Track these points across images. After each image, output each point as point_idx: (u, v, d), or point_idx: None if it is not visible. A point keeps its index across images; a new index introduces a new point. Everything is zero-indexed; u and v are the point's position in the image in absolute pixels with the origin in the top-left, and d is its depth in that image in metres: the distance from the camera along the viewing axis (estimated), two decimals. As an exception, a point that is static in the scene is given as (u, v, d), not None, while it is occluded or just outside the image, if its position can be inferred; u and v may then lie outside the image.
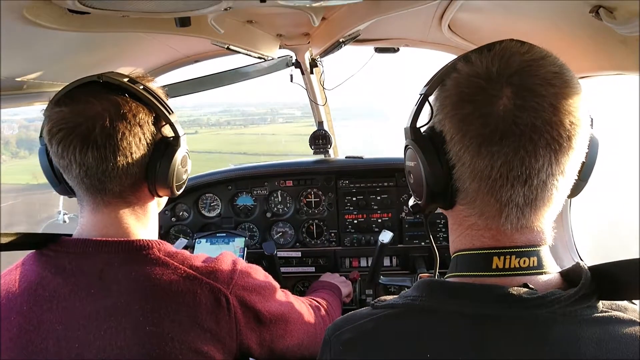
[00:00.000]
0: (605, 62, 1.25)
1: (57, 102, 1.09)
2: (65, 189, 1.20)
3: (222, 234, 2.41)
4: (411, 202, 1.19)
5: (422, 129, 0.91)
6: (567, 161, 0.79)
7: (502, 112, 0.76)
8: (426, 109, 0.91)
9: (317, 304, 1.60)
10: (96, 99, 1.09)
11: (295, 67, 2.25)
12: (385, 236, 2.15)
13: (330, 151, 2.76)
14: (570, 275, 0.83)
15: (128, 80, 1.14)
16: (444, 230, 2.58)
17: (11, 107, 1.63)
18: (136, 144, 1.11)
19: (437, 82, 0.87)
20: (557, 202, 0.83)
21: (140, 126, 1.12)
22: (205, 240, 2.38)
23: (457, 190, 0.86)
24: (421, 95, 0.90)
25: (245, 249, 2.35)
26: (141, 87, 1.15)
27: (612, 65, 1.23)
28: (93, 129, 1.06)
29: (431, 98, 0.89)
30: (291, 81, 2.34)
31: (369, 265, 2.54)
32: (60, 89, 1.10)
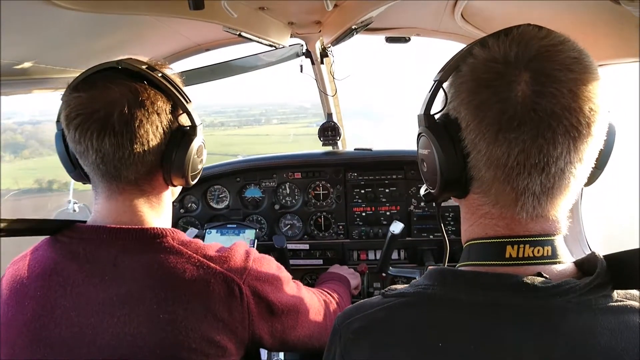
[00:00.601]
0: (623, 49, 1.24)
1: (75, 88, 1.10)
2: (80, 175, 1.20)
3: (232, 225, 2.40)
4: (422, 190, 1.18)
5: (436, 117, 0.89)
6: (586, 149, 0.77)
7: (521, 98, 0.75)
8: (440, 96, 0.89)
9: (327, 295, 1.60)
10: (115, 85, 1.09)
11: (306, 57, 2.25)
12: (396, 227, 2.13)
13: (339, 143, 2.75)
14: (585, 265, 0.82)
15: (147, 67, 1.13)
16: (452, 223, 2.57)
17: (18, 94, 1.64)
18: (153, 132, 1.11)
19: (452, 67, 0.85)
20: (573, 190, 0.81)
21: (157, 114, 1.12)
22: (215, 230, 2.38)
23: (472, 179, 0.85)
24: (435, 81, 0.88)
25: (256, 240, 2.35)
26: (159, 74, 1.14)
27: (630, 53, 1.22)
28: (111, 115, 1.06)
29: (445, 84, 0.88)
30: (301, 72, 2.33)
31: (377, 258, 2.53)
32: (68, 75, 1.11)
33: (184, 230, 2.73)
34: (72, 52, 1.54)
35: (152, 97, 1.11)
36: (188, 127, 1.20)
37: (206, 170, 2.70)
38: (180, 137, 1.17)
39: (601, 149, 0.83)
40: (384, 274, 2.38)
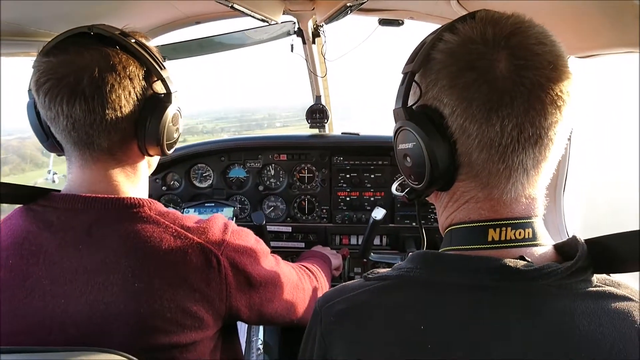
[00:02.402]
0: (618, 39, 1.24)
1: (45, 53, 1.06)
2: (53, 145, 1.17)
3: (210, 204, 2.37)
4: (394, 188, 1.19)
5: (413, 108, 0.88)
6: (568, 116, 0.79)
7: (507, 73, 0.76)
8: (412, 88, 0.87)
9: (306, 270, 1.60)
10: (86, 50, 1.06)
11: (297, 36, 2.21)
12: (378, 213, 2.14)
13: (326, 127, 2.73)
14: (565, 248, 0.83)
15: (119, 33, 1.11)
16: (436, 210, 2.58)
17: (6, 55, 1.58)
18: (125, 97, 1.09)
19: (423, 57, 0.84)
20: (554, 162, 0.83)
21: (130, 79, 1.09)
22: (193, 210, 2.35)
23: (459, 166, 0.84)
24: (407, 73, 0.86)
25: (234, 218, 2.33)
26: (133, 40, 1.12)
27: (625, 42, 1.22)
28: (81, 80, 1.03)
29: (416, 76, 0.86)
30: (292, 51, 2.30)
31: (359, 243, 2.54)
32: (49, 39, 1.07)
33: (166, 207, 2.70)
34: (57, 17, 1.49)
35: (124, 61, 1.09)
36: (163, 95, 1.17)
37: (190, 148, 2.67)
38: (154, 104, 1.15)
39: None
40: (365, 260, 2.40)
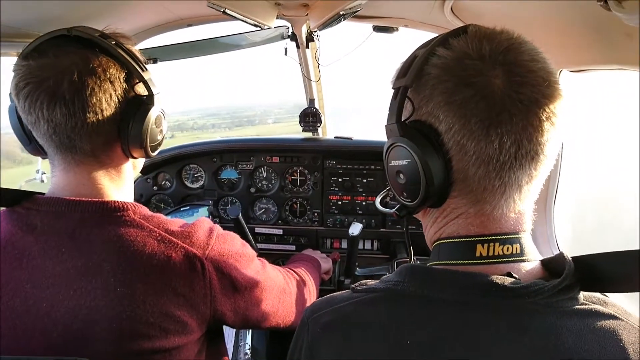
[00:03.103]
0: (608, 55, 1.24)
1: (25, 56, 1.05)
2: (36, 148, 1.16)
3: (185, 208, 2.34)
4: (378, 202, 1.17)
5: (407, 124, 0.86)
6: (562, 132, 0.80)
7: (504, 90, 0.75)
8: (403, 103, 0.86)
9: (294, 274, 1.59)
10: (65, 53, 1.05)
11: (291, 40, 2.20)
12: (355, 228, 2.11)
13: (320, 130, 2.72)
14: (552, 265, 0.83)
15: (99, 35, 1.10)
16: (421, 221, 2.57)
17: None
18: (107, 100, 1.08)
19: (416, 71, 0.82)
20: (543, 177, 0.83)
21: (110, 82, 1.08)
22: (170, 217, 2.33)
23: (453, 183, 0.83)
24: (400, 88, 0.84)
25: (210, 216, 2.31)
26: (113, 42, 1.11)
27: (615, 59, 1.22)
28: (61, 83, 1.02)
29: (408, 90, 0.85)
30: (285, 54, 2.28)
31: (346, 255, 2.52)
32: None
33: (156, 208, 2.68)
34: (46, 19, 1.47)
35: (104, 64, 1.08)
36: (145, 97, 1.16)
37: (182, 148, 2.65)
38: (136, 107, 1.14)
39: None
40: (357, 262, 2.38)
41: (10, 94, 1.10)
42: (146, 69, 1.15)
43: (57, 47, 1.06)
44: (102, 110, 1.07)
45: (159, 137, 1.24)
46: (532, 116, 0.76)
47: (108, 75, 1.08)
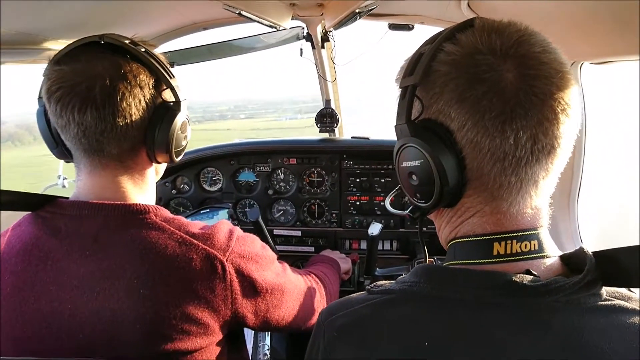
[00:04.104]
0: (630, 46, 1.21)
1: (57, 61, 1.08)
2: (62, 152, 1.19)
3: (205, 210, 2.36)
4: (388, 204, 1.15)
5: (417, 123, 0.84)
6: (577, 123, 0.78)
7: (517, 84, 0.74)
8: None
9: (314, 276, 1.59)
10: (97, 59, 1.08)
11: (306, 41, 2.20)
12: (375, 228, 2.10)
13: (336, 131, 2.71)
14: (572, 260, 0.81)
15: (130, 42, 1.13)
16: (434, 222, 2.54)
17: (9, 63, 1.59)
18: (136, 105, 1.10)
19: (424, 69, 0.79)
20: (559, 170, 0.82)
21: (140, 88, 1.11)
22: (190, 219, 2.34)
23: (468, 181, 0.81)
24: (408, 86, 0.82)
25: (230, 219, 2.32)
26: (142, 49, 1.14)
27: (633, 50, 1.19)
28: (93, 88, 1.05)
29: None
30: (301, 55, 2.29)
31: (365, 255, 2.51)
32: (58, 47, 1.08)
33: (175, 211, 2.70)
34: (65, 27, 1.50)
35: (134, 70, 1.11)
36: (172, 103, 1.19)
37: (200, 152, 2.67)
38: (163, 113, 1.17)
39: None
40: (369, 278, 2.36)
41: (39, 97, 1.13)
42: (173, 76, 1.18)
43: (89, 53, 1.09)
44: (131, 115, 1.10)
45: (184, 143, 1.27)
46: (547, 109, 0.74)
47: (138, 81, 1.11)
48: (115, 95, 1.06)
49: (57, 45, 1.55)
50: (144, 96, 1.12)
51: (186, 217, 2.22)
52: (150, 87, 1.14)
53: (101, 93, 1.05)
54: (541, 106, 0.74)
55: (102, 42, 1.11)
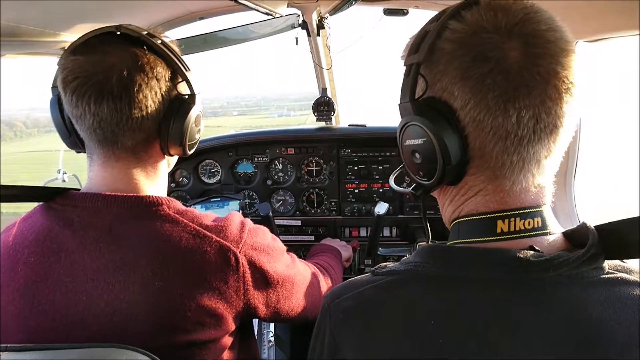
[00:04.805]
0: (626, 21, 1.23)
1: (73, 51, 1.08)
2: (75, 142, 1.19)
3: (216, 199, 2.38)
4: (392, 182, 1.17)
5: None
6: (580, 103, 0.78)
7: (522, 62, 0.73)
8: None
9: (320, 268, 1.61)
10: (114, 50, 1.08)
11: (302, 29, 2.20)
12: (381, 208, 2.13)
13: (333, 119, 2.72)
14: (575, 236, 0.82)
15: (147, 34, 1.12)
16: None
17: (10, 56, 1.59)
18: (152, 97, 1.10)
19: (428, 47, 0.80)
20: (562, 149, 0.82)
21: (157, 80, 1.11)
22: (200, 206, 2.35)
23: (471, 159, 0.82)
24: (412, 64, 0.82)
25: (241, 211, 2.33)
26: (159, 41, 1.14)
27: (634, 24, 1.21)
28: (110, 79, 1.04)
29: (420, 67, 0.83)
30: (296, 44, 2.29)
31: (369, 234, 2.53)
32: (56, 39, 1.08)
33: None
34: (63, 15, 1.49)
35: (151, 62, 1.10)
36: (187, 96, 1.19)
37: (198, 144, 2.66)
38: (178, 105, 1.17)
39: None
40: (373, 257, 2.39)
41: (53, 87, 1.13)
42: (189, 69, 1.18)
43: (105, 44, 1.08)
44: (147, 107, 1.10)
45: (197, 136, 1.26)
46: (550, 89, 0.74)
47: (155, 73, 1.10)
48: (132, 87, 1.06)
49: (52, 38, 1.55)
50: (160, 88, 1.12)
51: (195, 203, 2.24)
52: (167, 79, 1.13)
53: (118, 84, 1.05)
54: (545, 85, 0.74)
55: (119, 33, 1.10)
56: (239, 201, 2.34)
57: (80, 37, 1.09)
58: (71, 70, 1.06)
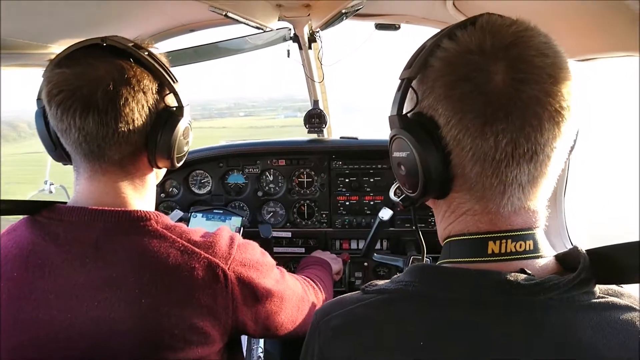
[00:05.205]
0: (614, 43, 1.23)
1: (57, 64, 1.06)
2: (61, 155, 1.17)
3: (219, 211, 2.35)
4: (392, 193, 1.17)
5: (408, 116, 0.86)
6: (567, 131, 0.77)
7: (503, 87, 0.73)
8: (409, 94, 0.85)
9: (310, 282, 1.60)
10: (99, 62, 1.06)
11: (294, 42, 2.20)
12: (386, 213, 2.11)
13: (325, 131, 2.71)
14: (567, 259, 0.81)
15: (133, 45, 1.11)
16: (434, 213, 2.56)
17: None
18: (139, 111, 1.08)
19: (420, 63, 0.82)
20: (553, 177, 0.81)
21: (144, 93, 1.09)
22: (201, 215, 2.33)
23: (454, 177, 0.82)
24: (404, 79, 0.84)
25: (242, 229, 2.31)
26: (146, 53, 1.12)
27: (621, 46, 1.21)
28: (95, 92, 1.03)
29: (413, 82, 0.84)
30: (288, 56, 2.29)
31: (360, 247, 2.53)
32: (46, 51, 1.06)
33: (167, 213, 2.68)
34: (51, 27, 1.47)
35: (138, 75, 1.09)
36: (175, 108, 1.17)
37: (188, 155, 2.64)
38: (166, 118, 1.15)
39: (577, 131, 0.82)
40: (366, 263, 2.37)
41: (38, 99, 1.11)
42: (177, 80, 1.16)
43: (91, 56, 1.06)
44: (133, 120, 1.08)
45: (185, 149, 1.25)
46: (530, 115, 0.73)
47: (142, 86, 1.09)
48: (118, 100, 1.05)
49: (41, 50, 1.53)
50: (147, 101, 1.10)
51: (197, 211, 2.21)
52: (154, 92, 1.12)
53: (103, 98, 1.03)
54: (524, 111, 0.73)
55: (105, 45, 1.09)
56: (241, 218, 2.31)
57: (65, 50, 1.08)
58: (56, 83, 1.04)
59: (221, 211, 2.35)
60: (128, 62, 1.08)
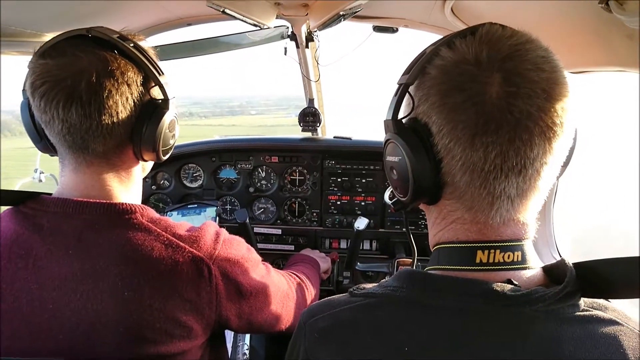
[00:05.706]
0: (609, 57, 1.24)
1: (42, 54, 1.05)
2: (46, 146, 1.16)
3: (193, 205, 2.35)
4: (386, 196, 1.18)
5: (404, 121, 0.86)
6: (559, 148, 0.77)
7: (496, 100, 0.74)
8: (406, 100, 0.86)
9: (296, 277, 1.60)
10: (83, 54, 1.04)
11: (291, 40, 2.19)
12: (361, 223, 2.15)
13: (319, 130, 2.71)
14: (554, 272, 0.82)
15: (118, 37, 1.09)
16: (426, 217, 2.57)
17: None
18: (123, 103, 1.07)
19: (418, 70, 0.82)
20: (544, 191, 0.82)
21: (128, 85, 1.08)
22: (176, 212, 2.33)
23: (445, 185, 0.83)
24: (401, 85, 0.85)
25: (217, 218, 2.31)
26: (131, 44, 1.10)
27: (616, 61, 1.22)
28: (78, 84, 1.01)
29: (411, 88, 0.85)
30: (285, 54, 2.28)
31: (348, 248, 2.53)
32: (41, 39, 1.05)
33: (155, 207, 2.67)
34: (46, 17, 1.46)
35: (122, 67, 1.07)
36: (160, 100, 1.16)
37: (181, 148, 2.64)
38: (151, 110, 1.14)
39: (571, 147, 0.83)
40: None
41: (24, 90, 1.09)
42: (162, 73, 1.15)
43: (75, 47, 1.05)
44: (117, 113, 1.07)
45: (171, 142, 1.24)
46: (521, 129, 0.73)
47: (126, 78, 1.08)
48: (102, 93, 1.03)
49: (37, 39, 1.52)
50: (132, 94, 1.09)
51: (172, 210, 2.21)
52: (138, 84, 1.11)
53: (87, 89, 1.02)
54: (515, 125, 0.73)
55: (90, 36, 1.07)
56: (215, 207, 2.32)
57: (49, 40, 1.06)
58: (39, 74, 1.03)
59: (195, 205, 2.35)
60: (112, 54, 1.07)
